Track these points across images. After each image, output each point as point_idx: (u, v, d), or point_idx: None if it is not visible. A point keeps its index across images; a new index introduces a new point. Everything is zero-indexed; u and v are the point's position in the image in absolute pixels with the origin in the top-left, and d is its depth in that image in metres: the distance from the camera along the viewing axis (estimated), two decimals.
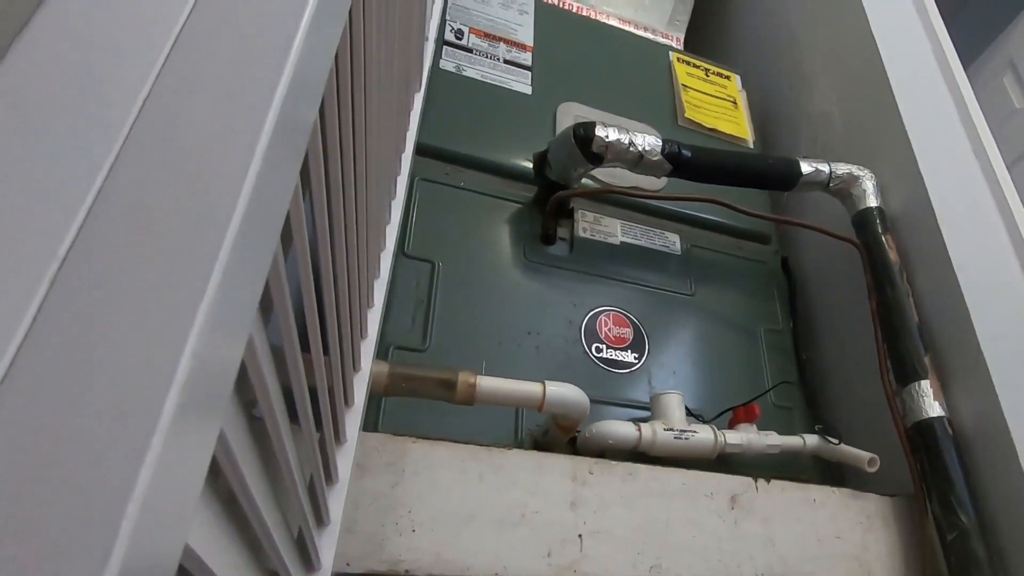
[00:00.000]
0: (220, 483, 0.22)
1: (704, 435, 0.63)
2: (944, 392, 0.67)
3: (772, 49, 1.13)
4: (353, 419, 0.46)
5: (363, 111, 0.34)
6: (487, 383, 0.54)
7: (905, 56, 0.87)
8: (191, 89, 0.20)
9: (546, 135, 0.84)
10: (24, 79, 0.19)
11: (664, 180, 0.85)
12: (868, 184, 0.80)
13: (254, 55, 0.21)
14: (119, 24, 0.21)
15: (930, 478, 0.64)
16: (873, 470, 0.66)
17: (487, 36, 0.93)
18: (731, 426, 0.69)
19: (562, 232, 0.81)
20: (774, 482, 0.62)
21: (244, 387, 0.22)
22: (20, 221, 0.16)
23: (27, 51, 0.19)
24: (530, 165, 0.81)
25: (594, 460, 0.57)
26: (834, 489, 0.64)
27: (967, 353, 0.66)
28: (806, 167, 0.80)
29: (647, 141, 0.73)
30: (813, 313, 0.91)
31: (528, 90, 0.90)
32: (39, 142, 0.18)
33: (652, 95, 1.00)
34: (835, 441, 0.69)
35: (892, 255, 0.75)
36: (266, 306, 0.22)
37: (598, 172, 0.82)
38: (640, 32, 1.20)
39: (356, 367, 0.47)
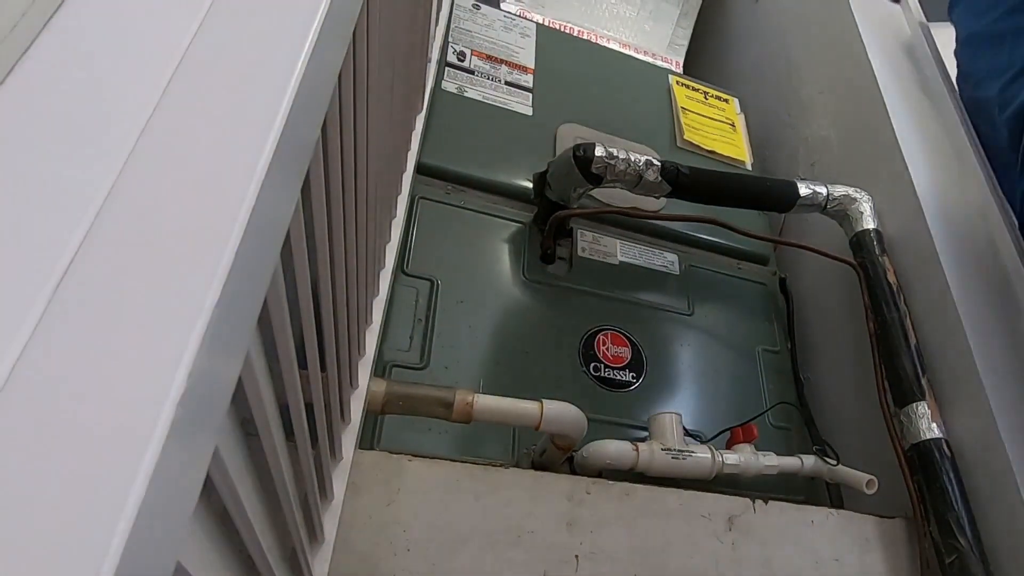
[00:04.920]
0: (214, 500, 0.22)
1: (702, 455, 0.63)
2: (942, 414, 0.67)
3: (771, 74, 1.15)
4: (349, 437, 0.46)
5: (365, 131, 0.34)
6: (484, 402, 0.54)
7: (902, 82, 0.88)
8: (195, 108, 0.20)
9: (546, 156, 0.85)
10: (30, 95, 0.19)
11: (663, 201, 0.85)
12: (865, 206, 0.80)
13: (258, 75, 0.21)
14: (125, 42, 0.21)
15: (928, 500, 0.63)
16: (871, 492, 0.65)
17: (489, 58, 0.94)
18: (729, 446, 0.68)
19: (561, 251, 0.81)
20: (772, 503, 0.61)
21: (240, 402, 0.22)
22: (22, 235, 0.17)
23: (34, 67, 0.20)
24: (530, 185, 0.81)
25: (591, 480, 0.57)
26: (832, 511, 0.64)
27: (964, 375, 0.66)
28: (804, 189, 0.80)
29: (646, 162, 0.74)
30: (811, 334, 0.91)
31: (529, 111, 0.91)
32: (43, 158, 0.18)
33: (651, 117, 1.01)
34: (833, 462, 0.69)
35: (890, 277, 0.75)
36: (265, 323, 0.22)
37: (597, 192, 0.83)
38: (640, 56, 1.21)
39: (353, 384, 0.47)
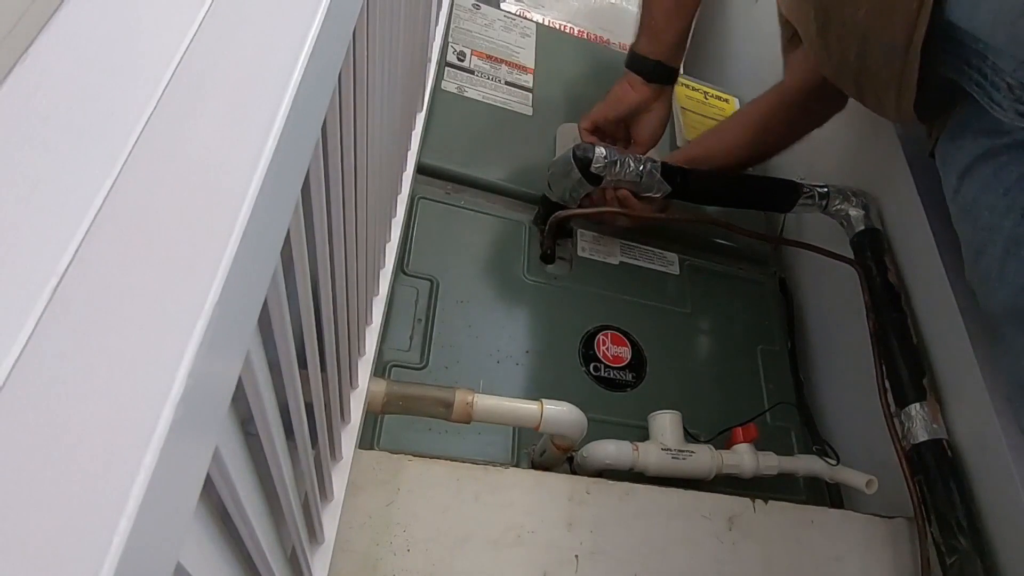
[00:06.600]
0: (214, 500, 0.22)
1: (701, 455, 0.63)
2: (943, 414, 0.67)
3: (770, 73, 1.14)
4: (349, 436, 0.46)
5: (365, 131, 0.34)
6: (484, 402, 0.54)
7: None
8: (195, 108, 0.20)
9: (546, 156, 0.85)
10: (30, 95, 0.19)
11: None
12: (866, 206, 0.80)
13: (258, 75, 0.21)
14: (125, 42, 0.21)
15: (929, 501, 0.63)
16: (872, 491, 0.65)
17: (489, 58, 0.94)
18: (729, 446, 0.68)
19: (561, 251, 0.81)
20: (772, 503, 0.61)
21: (240, 402, 0.22)
22: (22, 235, 0.17)
23: (34, 67, 0.20)
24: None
25: (591, 480, 0.57)
26: (832, 510, 0.64)
27: (965, 375, 0.66)
28: (804, 189, 0.80)
29: (647, 162, 0.74)
30: (811, 333, 0.91)
31: (529, 111, 0.91)
32: (42, 157, 0.18)
33: None
34: (833, 462, 0.69)
35: (891, 277, 0.75)
36: (265, 323, 0.22)
37: None
38: None
39: (353, 384, 0.47)
